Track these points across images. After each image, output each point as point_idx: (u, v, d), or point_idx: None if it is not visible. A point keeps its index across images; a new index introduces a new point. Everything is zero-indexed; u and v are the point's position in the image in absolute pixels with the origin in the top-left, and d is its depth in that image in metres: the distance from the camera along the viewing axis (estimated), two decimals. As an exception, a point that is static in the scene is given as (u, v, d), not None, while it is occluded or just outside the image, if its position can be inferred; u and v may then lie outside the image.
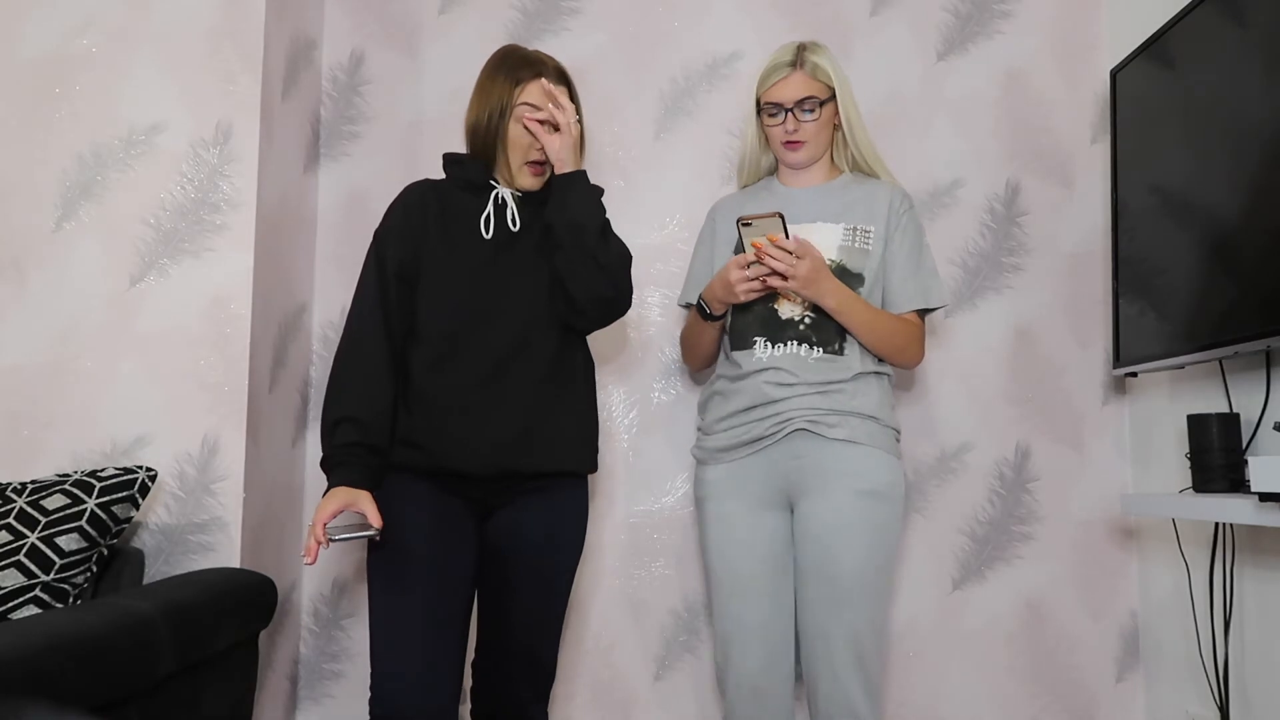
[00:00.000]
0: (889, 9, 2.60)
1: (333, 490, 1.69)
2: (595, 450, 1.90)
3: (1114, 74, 2.31)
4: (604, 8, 2.61)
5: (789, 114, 1.98)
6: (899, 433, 2.00)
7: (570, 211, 1.78)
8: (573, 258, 1.78)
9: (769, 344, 1.94)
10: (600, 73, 2.57)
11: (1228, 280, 1.88)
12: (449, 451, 1.76)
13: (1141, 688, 2.43)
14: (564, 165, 1.81)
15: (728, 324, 2.02)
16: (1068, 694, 2.43)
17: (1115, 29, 2.55)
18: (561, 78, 1.87)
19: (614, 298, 1.84)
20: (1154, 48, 2.15)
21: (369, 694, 1.70)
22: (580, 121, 1.87)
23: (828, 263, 1.92)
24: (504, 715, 1.85)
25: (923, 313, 2.01)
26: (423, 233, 1.84)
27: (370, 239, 1.88)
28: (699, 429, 2.09)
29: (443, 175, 1.94)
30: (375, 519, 1.67)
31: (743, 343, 1.97)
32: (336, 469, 1.71)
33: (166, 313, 2.12)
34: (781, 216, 1.82)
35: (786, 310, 1.95)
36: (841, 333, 1.93)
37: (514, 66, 1.85)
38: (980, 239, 2.54)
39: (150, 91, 2.17)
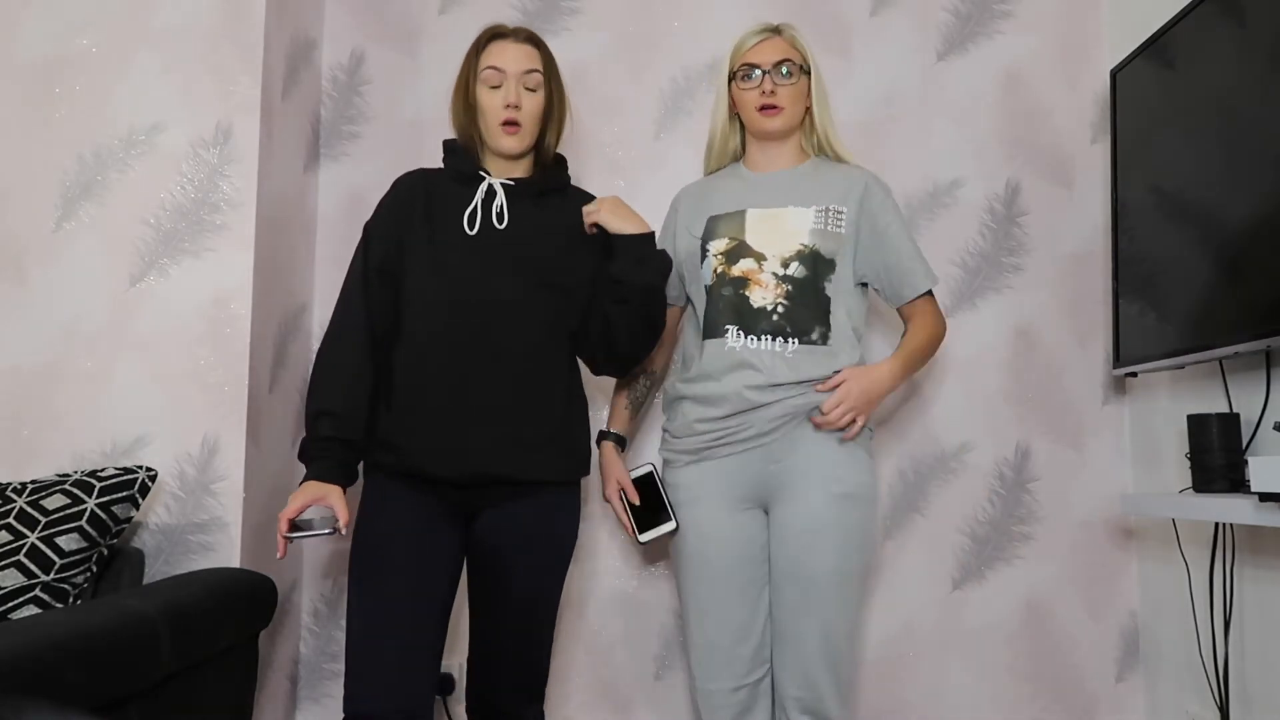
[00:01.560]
0: (889, 9, 2.60)
1: (304, 485, 1.70)
2: (583, 457, 1.87)
3: (1114, 74, 2.31)
4: (604, 8, 2.60)
5: (766, 75, 1.95)
6: (873, 431, 1.98)
7: (649, 275, 1.81)
8: (639, 317, 1.81)
9: (741, 333, 1.90)
10: (600, 73, 2.57)
11: (1227, 280, 1.87)
12: (425, 455, 1.75)
13: (1141, 688, 2.43)
14: (627, 226, 1.82)
15: (700, 314, 1.98)
16: (1068, 694, 2.42)
17: (1115, 29, 2.54)
18: (531, 40, 1.88)
19: (647, 356, 1.95)
20: (1154, 48, 2.14)
21: (343, 692, 1.71)
22: (560, 92, 1.90)
23: (800, 247, 1.90)
24: (499, 716, 1.84)
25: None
26: (408, 227, 1.83)
27: (366, 236, 1.89)
28: (666, 430, 2.02)
29: (440, 164, 1.94)
30: (342, 515, 1.67)
31: (714, 330, 1.92)
32: (311, 462, 1.72)
33: (166, 313, 2.12)
34: None
35: (758, 297, 1.90)
36: (821, 320, 1.90)
37: (477, 39, 1.89)
38: (980, 239, 2.54)
39: (150, 92, 2.17)
